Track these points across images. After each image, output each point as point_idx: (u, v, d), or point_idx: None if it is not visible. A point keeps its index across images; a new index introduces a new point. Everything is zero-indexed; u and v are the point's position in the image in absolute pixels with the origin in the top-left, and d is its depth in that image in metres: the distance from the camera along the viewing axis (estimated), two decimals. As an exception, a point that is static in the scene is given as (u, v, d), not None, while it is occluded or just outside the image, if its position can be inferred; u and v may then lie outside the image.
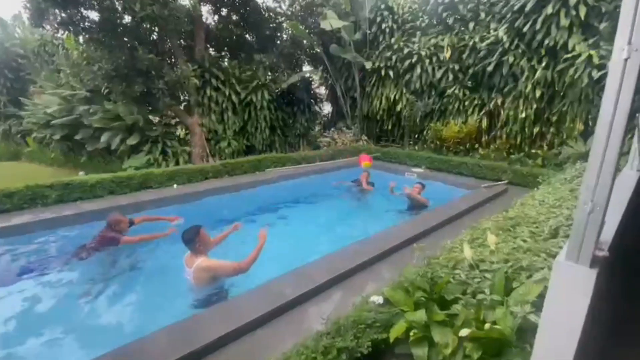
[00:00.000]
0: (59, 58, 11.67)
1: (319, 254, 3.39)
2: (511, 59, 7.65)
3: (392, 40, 10.34)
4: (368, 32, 10.69)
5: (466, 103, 9.17)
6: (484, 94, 8.85)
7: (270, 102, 10.67)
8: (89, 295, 3.24)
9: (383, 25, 10.55)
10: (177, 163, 9.61)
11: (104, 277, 3.58)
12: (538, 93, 7.39)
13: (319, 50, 11.24)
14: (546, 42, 7.11)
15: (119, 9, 7.53)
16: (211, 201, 6.01)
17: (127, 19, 8.03)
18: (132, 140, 9.72)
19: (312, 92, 12.44)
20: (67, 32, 7.87)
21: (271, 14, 11.94)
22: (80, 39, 8.42)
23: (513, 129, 8.28)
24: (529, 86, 7.48)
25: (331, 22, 9.28)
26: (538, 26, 7.00)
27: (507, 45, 7.65)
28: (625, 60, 1.04)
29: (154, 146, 9.82)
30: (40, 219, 4.54)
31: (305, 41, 11.56)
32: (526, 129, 7.96)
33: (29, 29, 14.09)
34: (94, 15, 7.80)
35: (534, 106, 7.58)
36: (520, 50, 7.57)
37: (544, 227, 2.85)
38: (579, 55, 6.66)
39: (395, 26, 10.62)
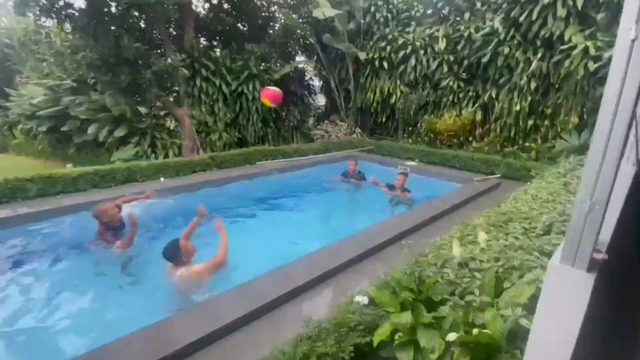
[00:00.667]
0: (41, 47, 11.28)
1: (303, 250, 3.27)
2: (506, 50, 7.52)
3: (387, 30, 10.13)
4: (362, 21, 10.45)
5: (460, 95, 9.04)
6: (478, 86, 8.73)
7: (263, 93, 10.42)
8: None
9: (377, 15, 10.32)
10: (166, 156, 9.40)
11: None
12: (533, 85, 7.29)
13: (312, 40, 10.98)
14: (542, 33, 6.98)
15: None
16: (199, 195, 5.86)
17: (113, 6, 7.73)
18: (119, 132, 9.48)
19: (305, 83, 12.22)
20: (50, 20, 7.55)
21: (263, 2, 11.63)
22: (66, 26, 8.11)
23: (507, 122, 8.19)
24: (524, 78, 7.37)
25: (324, 10, 9.04)
26: (534, 16, 6.86)
27: (502, 36, 7.51)
28: (633, 41, 0.91)
29: (142, 138, 9.59)
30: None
31: (298, 31, 11.29)
32: (520, 122, 7.87)
33: (15, 17, 13.60)
34: (78, 2, 7.50)
35: (529, 99, 7.48)
36: (515, 42, 7.43)
37: (537, 223, 2.77)
38: (575, 46, 6.55)
39: (389, 16, 10.39)
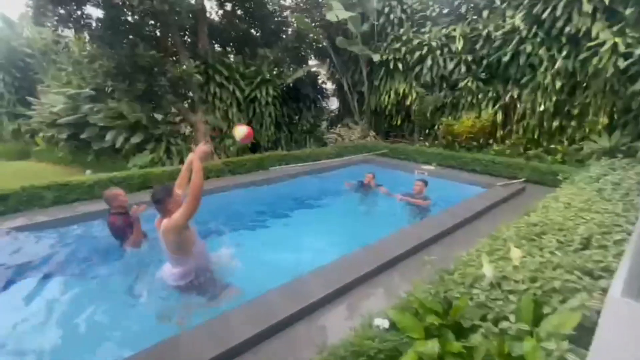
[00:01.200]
0: (59, 56, 11.63)
1: (318, 260, 3.11)
2: (529, 48, 7.18)
3: (401, 31, 9.92)
4: (375, 23, 10.28)
5: (480, 96, 8.71)
6: (498, 86, 8.38)
7: (276, 98, 10.41)
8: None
9: (391, 16, 10.13)
10: (181, 161, 9.45)
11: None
12: (558, 84, 6.91)
13: (325, 44, 10.89)
14: (567, 29, 6.62)
15: (119, 4, 7.34)
16: (211, 201, 5.79)
17: (129, 15, 7.86)
18: (135, 139, 9.62)
19: (318, 87, 12.13)
20: (68, 30, 7.74)
21: (276, 7, 11.63)
22: (85, 36, 8.30)
23: (530, 123, 7.82)
24: (548, 77, 7.00)
25: (337, 13, 8.92)
26: (558, 12, 6.51)
27: (524, 33, 7.17)
28: None
29: (157, 145, 9.70)
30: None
31: (311, 35, 11.21)
32: (545, 123, 7.49)
33: (37, 28, 14.14)
34: (94, 11, 7.67)
35: (554, 98, 7.10)
36: (538, 39, 7.09)
37: (573, 235, 2.53)
38: (604, 43, 6.16)
39: (404, 16, 10.18)
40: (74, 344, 2.59)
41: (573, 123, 7.12)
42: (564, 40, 6.72)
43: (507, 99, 8.13)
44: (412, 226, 4.56)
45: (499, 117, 8.40)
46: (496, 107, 8.42)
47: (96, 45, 8.04)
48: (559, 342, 1.42)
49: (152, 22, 8.38)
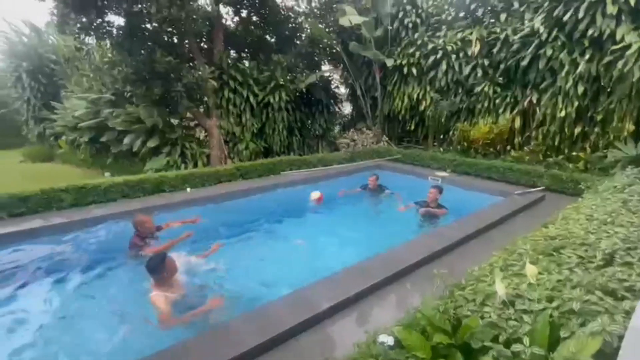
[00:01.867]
0: (82, 63, 12.07)
1: (325, 270, 3.05)
2: (549, 52, 6.94)
3: (416, 35, 9.80)
4: (390, 28, 10.20)
5: (497, 101, 8.48)
6: (517, 91, 8.14)
7: (288, 103, 10.45)
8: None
9: (406, 21, 10.03)
10: (195, 165, 9.61)
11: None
12: (580, 89, 6.64)
13: (338, 49, 10.88)
14: (590, 32, 6.36)
15: (139, 12, 7.56)
16: (222, 206, 5.84)
17: (148, 22, 8.07)
18: (152, 143, 9.83)
19: (331, 92, 12.11)
20: (90, 37, 8.02)
21: (291, 13, 11.72)
22: (105, 43, 8.59)
23: (550, 129, 7.53)
24: (570, 81, 6.73)
25: (350, 18, 8.90)
26: (580, 14, 6.27)
27: (544, 36, 6.94)
28: None
29: (173, 148, 9.88)
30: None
31: (325, 40, 11.24)
32: (566, 129, 7.20)
33: (61, 35, 14.76)
34: (115, 19, 7.91)
35: (575, 104, 6.82)
36: (559, 42, 6.84)
37: (595, 250, 2.37)
38: (629, 46, 5.88)
39: (419, 21, 10.07)
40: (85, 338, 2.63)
41: (596, 129, 6.82)
42: (586, 43, 6.45)
43: (525, 104, 7.88)
44: (424, 236, 4.44)
45: (517, 122, 8.15)
46: (514, 112, 8.18)
47: (116, 52, 8.29)
48: (576, 371, 1.32)
49: (170, 29, 8.57)
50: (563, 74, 6.82)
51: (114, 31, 7.83)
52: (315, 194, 6.00)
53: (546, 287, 1.90)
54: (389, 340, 1.85)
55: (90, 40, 8.55)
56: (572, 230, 2.80)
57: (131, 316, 2.92)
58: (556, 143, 7.48)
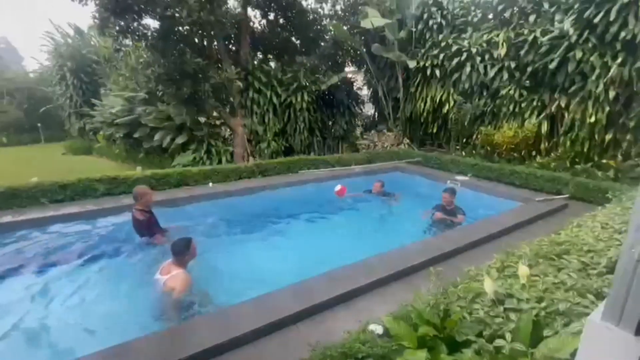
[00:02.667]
0: (119, 63, 12.88)
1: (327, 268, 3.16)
2: (579, 55, 6.65)
3: (440, 37, 9.68)
4: (414, 29, 10.14)
5: (523, 105, 8.22)
6: (544, 95, 7.84)
7: (310, 103, 10.64)
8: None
9: (430, 22, 9.94)
10: (219, 162, 10.02)
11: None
12: (612, 94, 6.32)
13: (361, 51, 10.95)
14: (622, 34, 6.04)
15: (171, 16, 8.01)
16: (239, 201, 6.10)
17: (180, 25, 8.53)
18: (180, 139, 10.36)
19: (353, 93, 12.18)
20: (127, 40, 8.59)
21: (316, 15, 11.92)
22: (140, 44, 9.17)
23: (579, 135, 7.21)
24: (601, 86, 6.42)
25: (372, 20, 8.95)
26: (612, 16, 5.97)
27: (574, 39, 6.67)
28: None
29: (199, 145, 10.36)
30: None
31: (348, 42, 11.34)
32: (596, 136, 6.87)
33: (102, 37, 15.86)
34: (150, 22, 8.44)
35: (607, 109, 6.50)
36: (590, 45, 6.55)
37: (601, 257, 2.34)
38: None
39: (444, 22, 9.94)
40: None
41: (628, 137, 6.45)
42: (618, 46, 6.14)
43: (553, 108, 7.58)
44: (434, 237, 4.44)
45: (544, 127, 7.85)
46: (541, 116, 7.89)
47: (150, 53, 8.83)
48: (550, 366, 1.37)
49: (200, 31, 9.01)
50: (594, 77, 6.52)
51: (149, 34, 8.35)
52: (337, 187, 6.19)
53: (539, 288, 1.92)
54: (378, 329, 1.96)
55: (127, 42, 9.17)
56: (581, 237, 2.75)
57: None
58: (585, 150, 7.14)
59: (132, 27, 7.79)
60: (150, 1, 7.35)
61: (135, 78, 10.69)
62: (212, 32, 8.64)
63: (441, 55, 9.48)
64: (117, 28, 7.65)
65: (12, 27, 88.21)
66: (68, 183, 5.28)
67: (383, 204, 6.46)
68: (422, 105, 10.31)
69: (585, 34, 6.56)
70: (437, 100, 9.88)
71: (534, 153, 8.24)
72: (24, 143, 21.28)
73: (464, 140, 9.98)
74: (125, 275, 3.66)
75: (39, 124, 21.67)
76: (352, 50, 12.19)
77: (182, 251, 3.03)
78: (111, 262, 3.93)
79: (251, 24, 11.34)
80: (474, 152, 9.41)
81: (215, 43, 9.79)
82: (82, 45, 16.45)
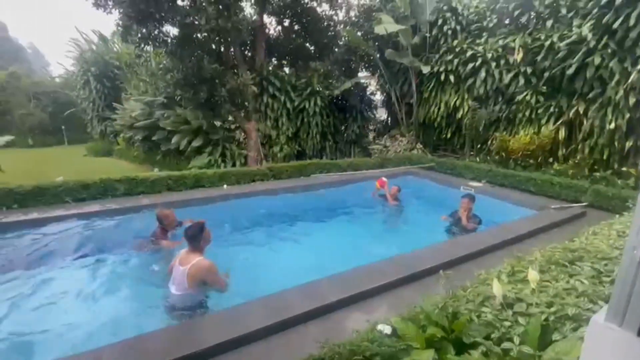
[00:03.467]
0: (140, 69, 13.34)
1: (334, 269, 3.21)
2: (598, 60, 6.52)
3: (455, 42, 9.65)
4: (428, 35, 10.14)
5: (539, 111, 8.08)
6: (562, 101, 7.70)
7: (323, 108, 10.76)
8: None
9: (445, 28, 9.92)
10: (234, 165, 10.23)
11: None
12: (632, 100, 6.16)
13: (375, 56, 11.01)
14: (644, 39, 5.92)
15: (190, 23, 8.29)
16: (252, 202, 6.23)
17: (198, 32, 8.81)
18: (196, 143, 10.64)
19: (365, 98, 12.23)
20: (148, 46, 8.93)
21: (330, 22, 12.08)
22: (160, 51, 9.51)
23: (599, 142, 7.04)
24: (621, 92, 6.27)
25: (386, 26, 9.00)
26: (632, 22, 5.84)
27: (592, 44, 6.54)
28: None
29: (215, 149, 10.61)
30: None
31: (361, 47, 11.43)
32: (616, 143, 6.69)
33: (124, 43, 16.48)
34: (170, 29, 8.75)
35: (627, 115, 6.33)
36: (609, 50, 6.41)
37: (615, 265, 2.31)
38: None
39: (458, 28, 9.90)
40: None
41: (651, 144, 6.28)
42: (638, 52, 5.99)
43: (571, 114, 7.43)
44: (446, 243, 4.43)
45: (562, 134, 7.69)
46: (558, 123, 7.74)
47: (169, 59, 9.14)
48: (557, 368, 1.38)
49: (217, 38, 9.28)
50: (613, 83, 6.38)
51: (169, 40, 8.66)
52: (383, 179, 6.55)
53: (549, 294, 1.92)
54: (386, 329, 1.99)
55: (148, 48, 9.53)
56: (596, 245, 2.71)
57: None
58: (604, 157, 6.96)
59: (153, 34, 8.09)
60: (171, 9, 7.63)
61: (155, 83, 11.06)
62: (229, 39, 8.87)
63: (455, 61, 9.44)
64: (139, 35, 7.95)
65: (38, 33, 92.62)
66: (91, 183, 5.52)
67: (393, 210, 6.46)
68: (436, 110, 10.27)
69: (605, 39, 6.43)
70: (451, 105, 9.82)
71: (550, 160, 8.07)
72: (48, 145, 22.24)
73: (479, 146, 9.86)
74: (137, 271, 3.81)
75: (62, 127, 22.61)
76: (365, 56, 12.27)
77: (196, 236, 2.97)
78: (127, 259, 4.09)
79: (266, 30, 11.58)
80: (488, 158, 9.29)
81: (232, 49, 10.05)
82: (106, 51, 17.12)
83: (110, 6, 8.31)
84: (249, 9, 11.06)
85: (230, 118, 10.78)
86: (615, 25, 6.10)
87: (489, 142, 9.38)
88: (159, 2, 7.50)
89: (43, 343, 2.66)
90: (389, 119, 13.44)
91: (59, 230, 4.54)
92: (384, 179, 6.64)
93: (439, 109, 10.18)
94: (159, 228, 4.23)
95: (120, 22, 8.17)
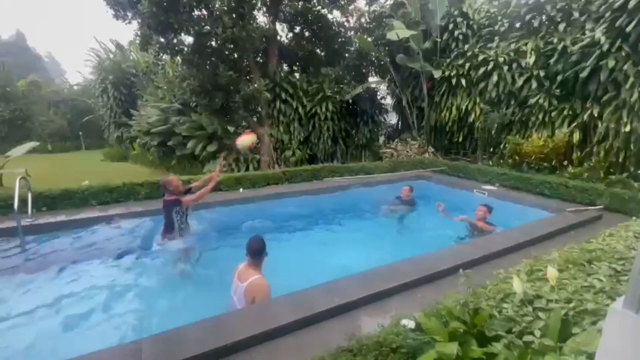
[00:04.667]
0: (157, 76, 13.75)
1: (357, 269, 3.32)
2: (611, 63, 6.51)
3: (466, 47, 9.71)
4: (439, 40, 10.23)
5: (553, 114, 8.07)
6: (576, 104, 7.68)
7: (334, 113, 10.91)
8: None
9: (456, 32, 10.00)
10: (247, 169, 10.45)
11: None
12: (648, 102, 6.15)
13: (385, 61, 11.14)
14: (659, 42, 5.90)
15: (206, 32, 8.58)
16: (267, 205, 6.39)
17: (214, 41, 9.10)
18: (211, 148, 10.90)
19: (376, 102, 12.35)
20: (165, 55, 9.26)
21: (341, 28, 12.29)
22: (177, 59, 9.83)
23: (614, 145, 7.00)
24: (635, 94, 6.24)
25: (398, 32, 9.13)
26: (647, 24, 5.87)
27: (606, 47, 6.54)
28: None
29: (229, 153, 10.84)
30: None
31: (372, 53, 11.59)
32: (632, 146, 6.65)
33: (141, 52, 17.02)
34: (188, 39, 9.06)
35: (643, 118, 6.31)
36: (623, 53, 6.40)
37: (632, 265, 2.36)
38: None
39: (469, 32, 9.98)
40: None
41: (668, 146, 6.22)
42: (654, 54, 5.99)
43: (585, 117, 7.41)
44: (463, 245, 4.48)
45: (576, 137, 7.67)
46: (572, 126, 7.72)
47: (186, 67, 9.44)
48: (578, 357, 1.46)
49: (232, 46, 9.56)
50: (627, 86, 6.36)
51: (185, 49, 8.96)
52: (406, 188, 6.70)
53: (567, 290, 1.99)
54: (410, 324, 2.08)
55: (166, 56, 9.86)
56: (613, 245, 2.76)
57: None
58: (620, 160, 6.92)
59: (171, 44, 8.39)
60: (190, 19, 7.91)
61: (172, 90, 11.39)
62: (243, 47, 9.13)
63: (467, 65, 9.50)
64: (158, 45, 8.26)
65: (54, 42, 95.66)
66: (115, 186, 5.76)
67: (405, 213, 6.53)
68: (448, 114, 10.31)
69: (618, 42, 6.43)
70: (463, 109, 9.85)
71: (565, 163, 8.03)
72: (66, 150, 22.95)
73: (491, 149, 9.85)
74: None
75: (80, 133, 23.32)
76: (376, 61, 12.41)
77: (261, 251, 2.78)
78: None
79: (278, 37, 11.85)
80: (501, 161, 9.27)
81: (246, 57, 10.32)
82: (123, 59, 17.69)
83: (130, 17, 8.67)
84: (261, 17, 11.36)
85: (243, 123, 11.03)
86: (629, 29, 6.10)
87: (502, 145, 9.37)
88: (178, 12, 7.79)
89: (77, 338, 2.83)
90: (400, 123, 13.52)
91: (91, 231, 4.78)
92: (406, 187, 6.74)
93: (451, 112, 10.22)
94: (165, 195, 4.35)
95: (140, 32, 8.51)
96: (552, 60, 7.84)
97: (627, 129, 6.51)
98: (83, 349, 2.21)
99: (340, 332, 2.30)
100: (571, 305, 1.85)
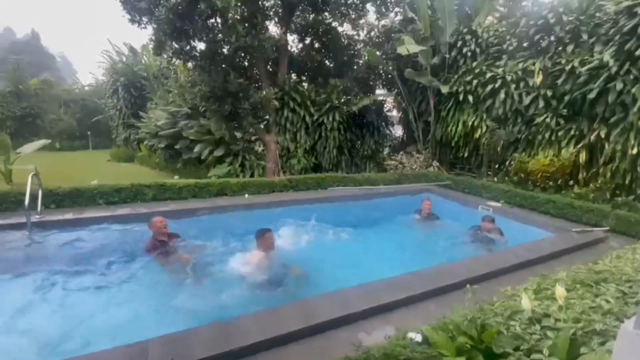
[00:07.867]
0: (169, 81, 14.00)
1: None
2: (620, 86, 6.56)
3: (474, 64, 9.83)
4: (447, 56, 10.36)
5: (559, 133, 8.09)
6: (582, 124, 7.71)
7: (341, 123, 11.01)
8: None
9: (464, 49, 10.13)
10: (252, 175, 10.51)
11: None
12: (656, 126, 6.17)
13: (393, 75, 11.28)
14: (668, 67, 5.96)
15: (219, 40, 8.76)
16: (272, 212, 6.40)
17: (226, 48, 9.28)
18: (218, 152, 11.00)
19: (382, 114, 12.45)
20: (178, 60, 9.44)
21: (350, 41, 12.49)
22: (189, 65, 10.03)
23: (620, 167, 6.99)
24: (643, 117, 6.29)
25: (408, 47, 9.28)
26: (656, 49, 5.93)
27: (614, 70, 6.61)
28: None
29: (235, 159, 10.95)
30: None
31: (380, 66, 11.75)
32: (638, 168, 6.65)
33: (152, 56, 17.35)
34: (200, 45, 9.25)
35: (650, 141, 6.32)
36: (631, 76, 6.45)
37: (640, 288, 2.36)
38: None
39: (478, 50, 10.10)
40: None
41: (675, 170, 6.21)
42: (663, 79, 6.04)
43: (592, 138, 7.43)
44: (469, 260, 4.47)
45: (582, 157, 7.67)
46: (579, 146, 7.73)
47: (197, 73, 9.61)
48: (587, 378, 1.46)
49: (243, 54, 9.74)
50: (635, 109, 6.38)
51: (197, 55, 9.14)
52: (427, 201, 6.78)
53: (575, 310, 2.00)
54: (417, 337, 2.08)
55: (178, 62, 10.05)
56: (620, 268, 2.75)
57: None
58: (627, 182, 6.90)
59: (184, 50, 8.57)
60: (204, 26, 8.10)
61: (183, 95, 11.57)
62: (254, 55, 9.30)
63: (474, 82, 9.59)
64: (172, 50, 8.44)
65: (66, 42, 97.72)
66: (123, 187, 5.82)
67: (416, 224, 6.55)
68: (454, 129, 10.37)
69: (627, 65, 6.49)
70: (469, 125, 9.91)
71: (570, 182, 8.02)
72: (73, 149, 23.22)
73: (497, 166, 9.87)
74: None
75: (88, 132, 23.62)
76: (384, 74, 12.57)
77: (256, 237, 4.10)
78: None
79: (289, 47, 12.06)
80: (506, 178, 9.27)
81: (256, 65, 10.50)
82: (135, 63, 18.03)
83: (145, 22, 8.88)
84: (273, 27, 11.59)
85: (250, 130, 11.15)
86: (638, 53, 6.17)
87: (507, 162, 9.39)
88: (194, 20, 7.98)
89: (78, 336, 2.84)
90: (405, 136, 13.60)
91: (98, 229, 4.84)
92: (427, 201, 6.84)
93: (457, 128, 10.27)
94: (151, 238, 4.34)
95: (154, 37, 8.70)
96: (559, 81, 7.91)
97: (634, 151, 6.52)
98: (83, 349, 2.23)
99: (347, 342, 2.31)
100: (579, 325, 1.85)
